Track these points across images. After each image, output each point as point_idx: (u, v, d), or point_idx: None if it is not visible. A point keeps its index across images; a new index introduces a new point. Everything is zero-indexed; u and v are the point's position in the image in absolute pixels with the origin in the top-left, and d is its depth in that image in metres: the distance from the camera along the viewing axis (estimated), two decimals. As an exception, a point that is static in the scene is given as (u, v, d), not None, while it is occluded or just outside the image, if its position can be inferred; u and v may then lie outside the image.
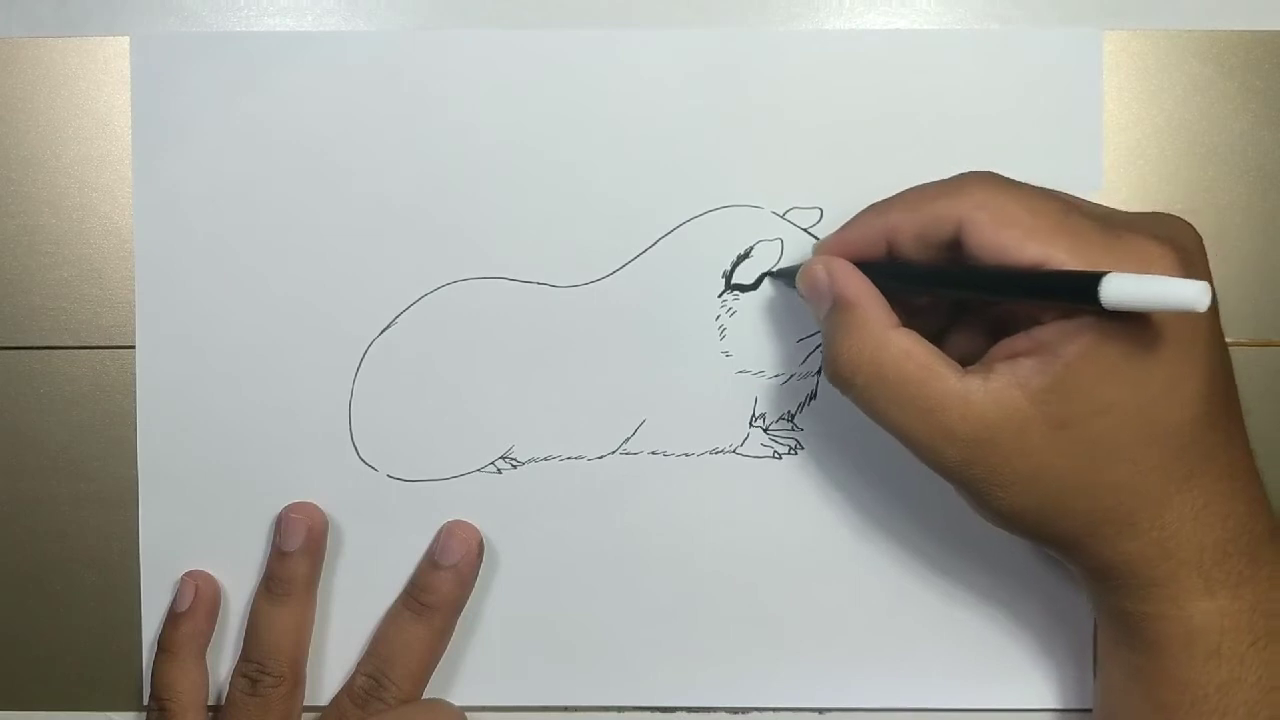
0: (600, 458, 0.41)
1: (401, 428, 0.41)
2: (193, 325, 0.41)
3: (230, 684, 0.40)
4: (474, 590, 0.41)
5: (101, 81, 0.41)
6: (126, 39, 0.41)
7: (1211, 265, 0.33)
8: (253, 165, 0.40)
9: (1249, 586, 0.32)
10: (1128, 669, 0.35)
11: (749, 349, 0.40)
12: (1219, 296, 0.31)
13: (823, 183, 0.40)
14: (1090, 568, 0.34)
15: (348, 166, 0.40)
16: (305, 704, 0.41)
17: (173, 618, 0.41)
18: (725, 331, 0.40)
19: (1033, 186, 0.32)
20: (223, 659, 0.41)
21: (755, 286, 0.40)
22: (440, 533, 0.41)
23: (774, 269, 0.40)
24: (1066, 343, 0.30)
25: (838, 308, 0.34)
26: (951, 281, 0.33)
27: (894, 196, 0.34)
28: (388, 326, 0.41)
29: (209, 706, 0.41)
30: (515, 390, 0.41)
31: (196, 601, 0.40)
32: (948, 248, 0.33)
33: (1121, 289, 0.28)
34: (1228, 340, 0.33)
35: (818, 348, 0.40)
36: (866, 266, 0.35)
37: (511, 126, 0.40)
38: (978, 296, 0.35)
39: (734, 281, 0.40)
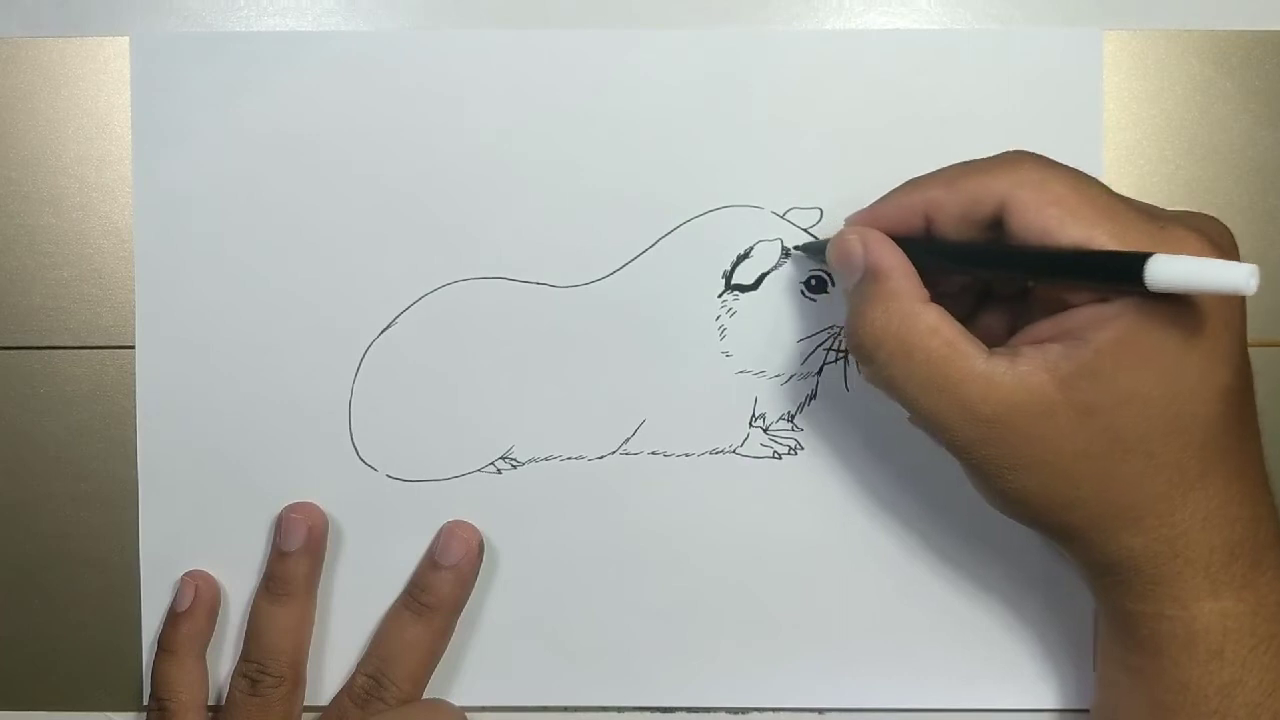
0: (600, 458, 0.41)
1: (401, 428, 0.41)
2: (193, 325, 0.41)
3: (230, 684, 0.40)
4: (474, 590, 0.41)
5: (101, 81, 0.41)
6: (126, 39, 0.41)
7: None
8: (253, 165, 0.40)
9: (1251, 590, 0.32)
10: (1127, 669, 0.35)
11: (749, 349, 0.40)
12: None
13: (823, 183, 0.40)
14: (1092, 562, 0.34)
15: (348, 167, 0.40)
16: (305, 704, 0.41)
17: (173, 618, 0.41)
18: (725, 331, 0.40)
19: (1076, 170, 0.32)
20: (223, 659, 0.41)
21: (755, 286, 0.40)
22: (440, 533, 0.41)
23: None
24: (1098, 329, 0.30)
25: (868, 277, 0.34)
26: (989, 259, 0.33)
27: (933, 172, 0.34)
28: (388, 326, 0.41)
29: (209, 706, 0.41)
30: (515, 390, 0.41)
31: (196, 601, 0.40)
32: (986, 227, 0.32)
33: (1167, 270, 0.27)
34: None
35: (818, 347, 0.40)
36: (900, 241, 0.34)
37: (512, 126, 0.40)
38: (1015, 275, 0.34)
39: (734, 281, 0.40)
